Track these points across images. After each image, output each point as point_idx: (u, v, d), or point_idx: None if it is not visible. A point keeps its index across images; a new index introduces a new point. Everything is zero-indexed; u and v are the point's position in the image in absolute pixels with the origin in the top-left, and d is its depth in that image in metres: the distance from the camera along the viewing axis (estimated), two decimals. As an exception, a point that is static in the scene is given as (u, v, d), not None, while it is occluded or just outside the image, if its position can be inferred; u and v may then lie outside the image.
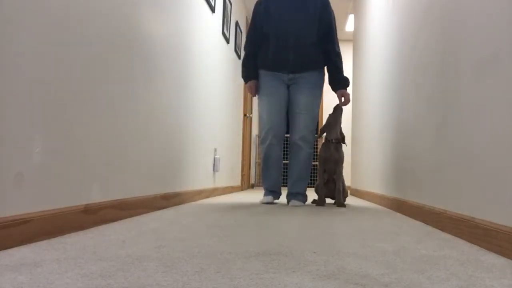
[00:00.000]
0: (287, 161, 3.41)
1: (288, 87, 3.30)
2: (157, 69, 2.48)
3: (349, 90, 7.37)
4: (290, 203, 3.22)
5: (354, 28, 5.90)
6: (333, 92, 3.30)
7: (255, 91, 3.37)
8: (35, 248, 1.20)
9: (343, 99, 3.28)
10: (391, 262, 1.11)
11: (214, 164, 4.16)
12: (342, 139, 3.28)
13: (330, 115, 3.28)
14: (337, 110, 3.27)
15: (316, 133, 3.40)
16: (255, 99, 6.99)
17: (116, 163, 1.94)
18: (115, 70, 1.91)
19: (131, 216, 2.04)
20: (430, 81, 2.15)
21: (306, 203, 3.41)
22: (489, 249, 1.34)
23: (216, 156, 4.22)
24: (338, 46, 3.34)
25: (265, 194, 3.35)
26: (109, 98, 1.86)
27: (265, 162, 3.29)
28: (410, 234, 1.67)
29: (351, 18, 6.66)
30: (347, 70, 7.55)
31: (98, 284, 0.84)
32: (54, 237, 1.39)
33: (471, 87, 1.60)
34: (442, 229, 1.81)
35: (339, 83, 3.28)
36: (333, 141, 3.23)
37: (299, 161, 3.23)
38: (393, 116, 3.08)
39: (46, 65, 1.39)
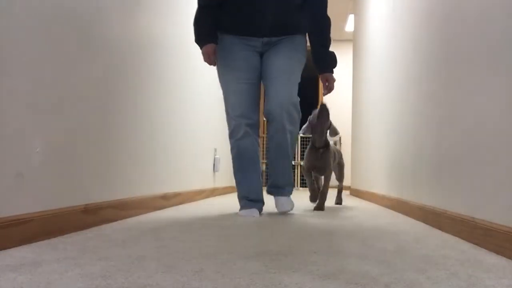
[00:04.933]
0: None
1: (261, 55, 2.42)
2: (156, 69, 2.48)
3: (349, 90, 7.43)
4: (279, 203, 2.42)
5: (354, 28, 5.90)
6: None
7: (214, 59, 2.39)
8: (35, 248, 1.20)
9: (326, 84, 2.51)
10: (391, 262, 1.11)
11: (214, 164, 4.16)
12: (333, 132, 2.83)
13: (315, 116, 2.71)
14: (324, 112, 2.68)
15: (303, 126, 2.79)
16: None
17: (116, 163, 1.94)
18: (115, 70, 1.91)
19: (131, 216, 2.04)
20: (432, 81, 2.15)
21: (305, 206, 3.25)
22: (489, 249, 1.34)
23: (216, 156, 4.22)
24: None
25: (244, 206, 2.37)
26: (109, 98, 1.86)
27: (239, 161, 2.41)
28: (410, 234, 1.67)
29: (351, 18, 6.65)
30: (347, 71, 7.62)
31: (98, 284, 0.84)
32: (54, 237, 1.39)
33: (472, 87, 1.60)
34: (442, 229, 1.81)
35: (325, 62, 2.48)
36: (321, 150, 2.78)
37: (282, 145, 2.37)
38: (393, 116, 3.08)
39: (46, 65, 1.39)
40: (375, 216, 2.39)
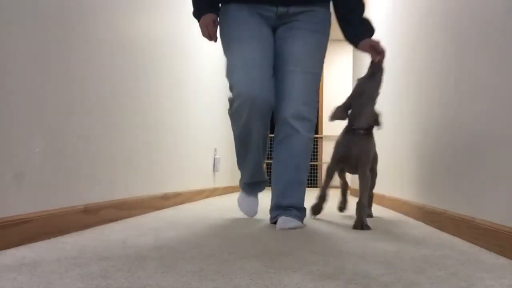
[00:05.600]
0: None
1: (274, 30, 1.92)
2: (156, 69, 2.48)
3: (349, 90, 7.40)
4: (280, 221, 1.79)
5: (354, 28, 5.89)
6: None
7: (215, 32, 1.94)
8: (35, 248, 1.20)
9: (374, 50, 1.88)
10: (391, 262, 1.11)
11: (214, 164, 4.16)
12: (375, 122, 1.94)
13: (361, 80, 1.92)
14: (377, 71, 1.87)
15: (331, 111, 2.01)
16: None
17: (116, 163, 1.95)
18: (115, 70, 1.91)
19: (131, 216, 2.04)
20: (431, 81, 2.15)
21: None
22: (489, 249, 1.34)
23: (216, 156, 4.22)
24: None
25: (245, 190, 2.16)
26: (108, 98, 1.86)
27: (243, 146, 1.96)
28: (410, 234, 1.67)
29: (351, 18, 6.65)
30: (347, 71, 7.61)
31: (98, 284, 0.84)
32: (54, 237, 1.39)
33: (472, 87, 1.60)
34: (442, 229, 1.81)
35: (361, 29, 1.90)
36: (361, 131, 1.89)
37: (293, 154, 1.87)
38: (393, 116, 3.08)
39: (46, 66, 1.39)
40: (375, 216, 2.39)
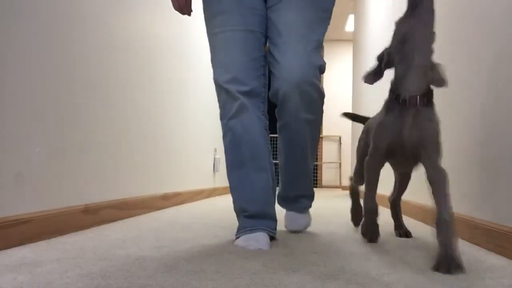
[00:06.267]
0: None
1: (265, 1, 1.51)
2: (156, 69, 2.48)
3: (349, 90, 7.42)
4: (288, 219, 1.69)
5: (354, 28, 5.90)
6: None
7: (187, 4, 1.58)
8: (35, 248, 1.20)
9: None
10: (391, 262, 1.11)
11: (214, 164, 4.16)
12: (435, 82, 1.19)
13: (401, 22, 1.22)
14: (419, 2, 1.16)
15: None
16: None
17: (116, 163, 1.95)
18: (115, 70, 1.91)
19: (131, 216, 2.04)
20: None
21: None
22: (489, 249, 1.34)
23: (216, 156, 4.22)
24: None
25: (243, 227, 1.39)
26: (108, 99, 1.86)
27: (234, 151, 1.49)
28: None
29: (351, 18, 6.66)
30: (347, 71, 7.61)
31: (98, 284, 0.84)
32: (54, 237, 1.39)
33: (473, 86, 1.60)
34: (442, 229, 1.80)
35: None
36: (416, 100, 1.18)
37: (297, 141, 1.57)
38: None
39: (46, 66, 1.39)
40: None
